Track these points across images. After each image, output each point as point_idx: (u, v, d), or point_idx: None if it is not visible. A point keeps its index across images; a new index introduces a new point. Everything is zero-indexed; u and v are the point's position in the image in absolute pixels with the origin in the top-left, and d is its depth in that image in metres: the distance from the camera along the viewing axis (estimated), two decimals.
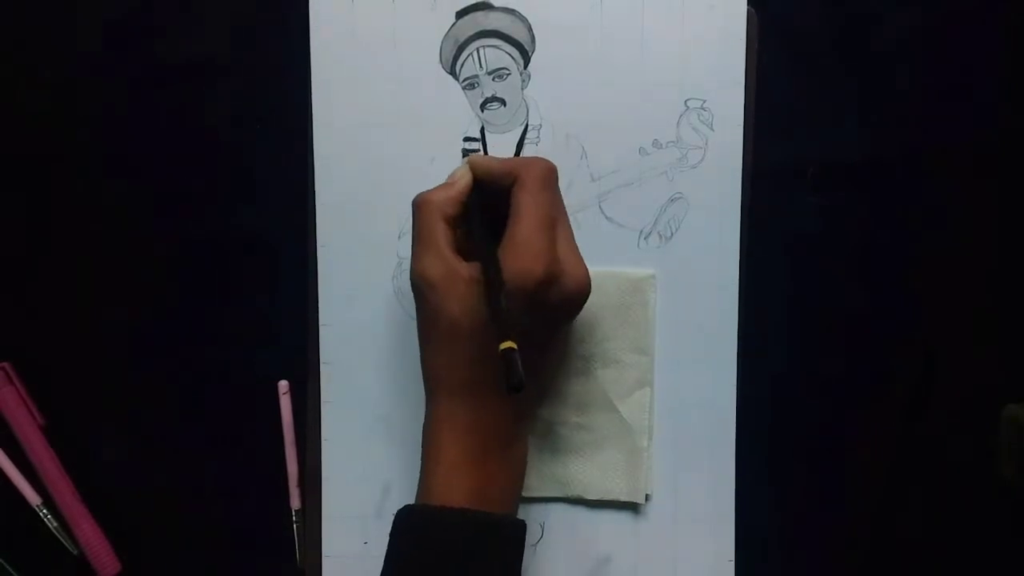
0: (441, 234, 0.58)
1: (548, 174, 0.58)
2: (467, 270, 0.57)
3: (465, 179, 0.60)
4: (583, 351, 0.66)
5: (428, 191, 0.59)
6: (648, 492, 0.67)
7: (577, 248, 0.59)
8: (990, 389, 0.68)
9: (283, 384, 0.67)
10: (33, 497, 0.67)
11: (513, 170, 0.58)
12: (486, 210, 0.59)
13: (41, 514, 0.67)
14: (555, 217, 0.58)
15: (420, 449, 0.66)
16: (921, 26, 0.66)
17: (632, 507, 0.67)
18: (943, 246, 0.67)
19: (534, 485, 0.67)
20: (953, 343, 0.68)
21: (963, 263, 0.67)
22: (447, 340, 0.57)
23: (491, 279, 0.55)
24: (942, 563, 0.68)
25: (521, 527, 0.59)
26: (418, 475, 0.66)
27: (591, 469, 0.67)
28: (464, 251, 0.58)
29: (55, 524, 0.67)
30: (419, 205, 0.59)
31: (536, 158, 0.59)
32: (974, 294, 0.68)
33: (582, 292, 0.58)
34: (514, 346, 0.52)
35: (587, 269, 0.59)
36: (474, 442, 0.58)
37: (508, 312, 0.54)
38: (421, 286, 0.57)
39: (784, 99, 0.66)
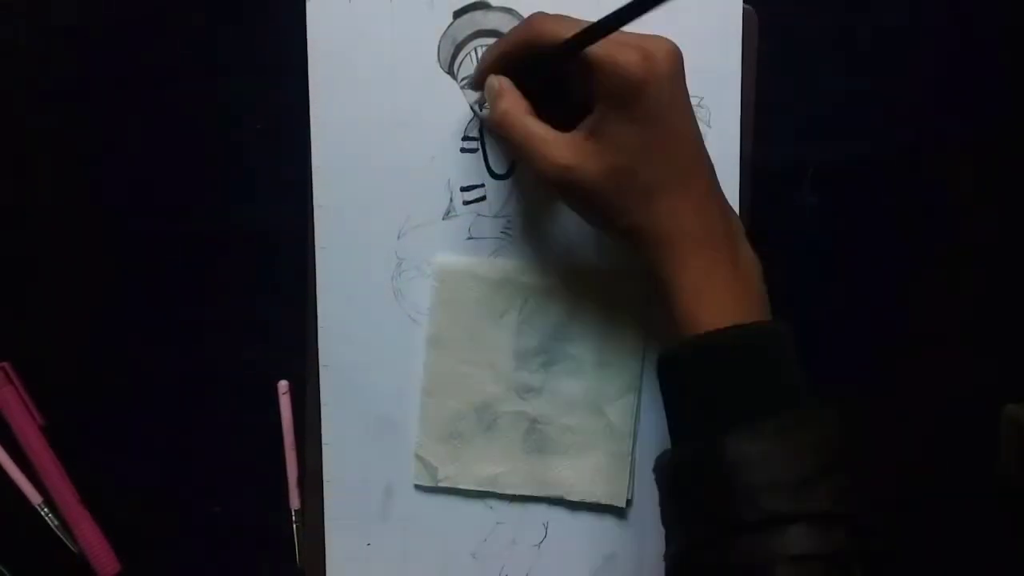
0: (541, 127, 0.57)
1: None
2: (580, 136, 0.56)
3: (504, 83, 0.59)
4: (575, 351, 0.66)
5: (495, 108, 0.59)
6: (629, 496, 0.67)
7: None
8: (990, 389, 0.68)
9: (283, 384, 0.67)
10: (34, 496, 0.68)
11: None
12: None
13: (43, 513, 0.68)
14: None
15: (441, 403, 0.67)
16: (921, 25, 0.66)
17: (635, 507, 0.67)
18: (943, 246, 0.67)
19: (514, 483, 0.67)
20: (953, 343, 0.68)
21: (963, 263, 0.67)
22: (619, 195, 0.56)
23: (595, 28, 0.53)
24: (942, 563, 0.68)
25: (790, 326, 0.56)
26: (437, 431, 0.66)
27: (574, 471, 0.67)
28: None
29: (56, 523, 0.68)
30: (503, 121, 0.58)
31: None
32: (974, 294, 0.68)
33: (674, 50, 0.56)
34: None
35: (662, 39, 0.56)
36: (701, 259, 0.56)
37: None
38: (567, 177, 0.56)
39: (783, 98, 0.66)
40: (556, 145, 0.57)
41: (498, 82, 0.60)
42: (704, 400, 0.55)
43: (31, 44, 0.67)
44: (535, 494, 0.67)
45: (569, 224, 0.65)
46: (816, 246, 0.67)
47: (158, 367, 0.68)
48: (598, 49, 0.54)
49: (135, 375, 0.68)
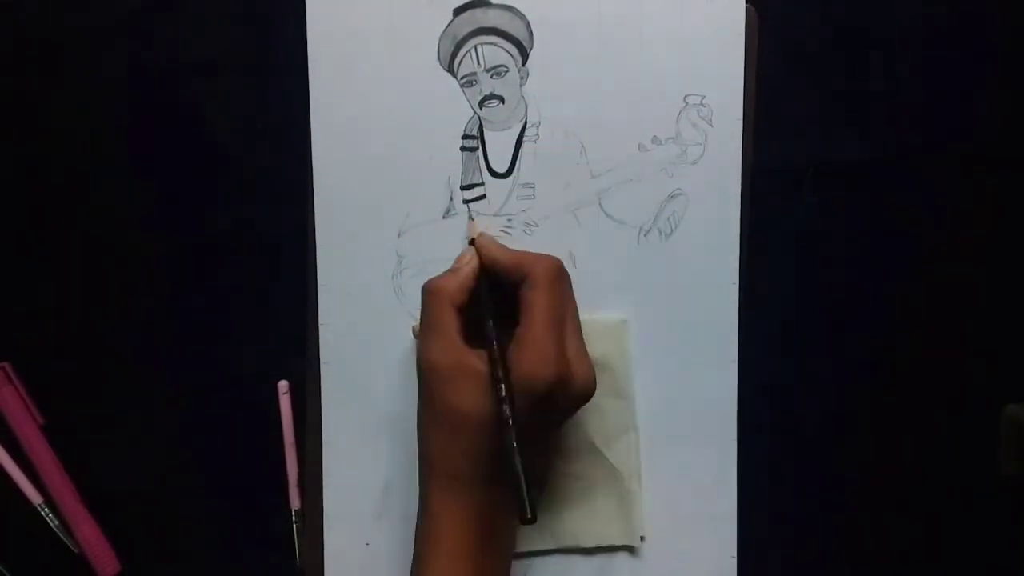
0: (451, 322, 0.58)
1: (557, 272, 0.59)
2: (476, 360, 0.57)
3: (471, 264, 0.60)
4: None
5: (438, 278, 0.60)
6: (643, 534, 0.67)
7: (584, 347, 0.59)
8: (990, 389, 0.68)
9: (283, 384, 0.67)
10: (34, 496, 0.67)
11: (521, 266, 0.59)
12: (493, 292, 0.60)
13: (43, 512, 0.67)
14: (564, 316, 0.58)
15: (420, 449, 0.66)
16: (921, 25, 0.66)
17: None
18: (942, 246, 0.67)
19: (529, 541, 0.67)
20: (953, 343, 0.68)
21: (962, 263, 0.67)
22: (450, 430, 0.57)
23: (499, 381, 0.54)
24: (942, 562, 0.68)
25: None
26: (417, 480, 0.66)
27: (584, 517, 0.67)
28: (472, 336, 0.58)
29: (56, 523, 0.67)
30: (429, 293, 0.59)
31: (544, 255, 0.60)
32: (973, 294, 0.67)
33: (588, 393, 0.58)
34: (521, 475, 0.51)
35: (592, 369, 0.58)
36: (471, 534, 0.58)
37: (514, 418, 0.53)
38: (429, 374, 0.57)
39: (784, 98, 0.66)
40: (446, 345, 0.57)
41: (466, 262, 0.61)
42: None
43: (34, 45, 0.67)
44: (547, 547, 0.67)
45: (572, 221, 0.66)
46: (816, 246, 0.67)
47: (158, 367, 0.68)
48: (528, 337, 0.56)
49: (135, 375, 0.68)
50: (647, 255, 0.66)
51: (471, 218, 0.66)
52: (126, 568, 0.68)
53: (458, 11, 0.65)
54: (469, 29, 0.65)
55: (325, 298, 0.66)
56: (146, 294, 0.68)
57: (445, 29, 0.65)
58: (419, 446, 0.60)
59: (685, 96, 0.65)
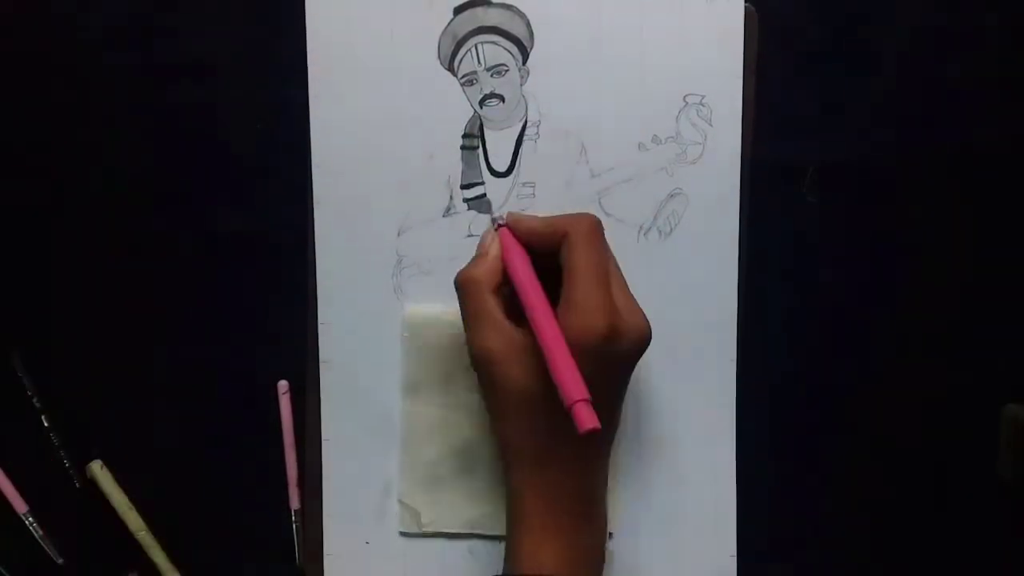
0: (492, 307, 0.58)
1: (596, 228, 0.58)
2: (524, 337, 0.57)
3: (496, 245, 0.60)
4: None
5: (467, 268, 0.59)
6: (611, 530, 0.66)
7: (633, 297, 0.59)
8: (990, 389, 0.68)
9: (283, 384, 0.67)
10: (19, 505, 0.67)
11: (557, 230, 0.58)
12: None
13: (27, 523, 0.67)
14: (608, 270, 0.58)
15: (420, 449, 0.66)
16: (920, 25, 0.67)
17: (635, 506, 0.67)
18: (942, 246, 0.67)
19: (498, 523, 0.65)
20: (953, 343, 0.68)
21: (962, 263, 0.67)
22: (517, 410, 0.58)
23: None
24: (942, 563, 0.68)
25: None
26: (418, 477, 0.66)
27: None
28: (512, 316, 0.58)
29: (40, 532, 0.67)
30: (464, 284, 0.58)
31: (581, 214, 0.59)
32: (973, 293, 0.68)
33: (643, 341, 0.58)
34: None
35: (645, 317, 0.58)
36: (557, 508, 0.58)
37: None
38: (484, 363, 0.57)
39: (784, 98, 0.66)
40: (495, 330, 0.57)
41: (489, 243, 0.60)
42: None
43: (31, 44, 0.67)
44: None
45: None
46: (816, 246, 0.67)
47: (158, 367, 0.68)
48: (575, 295, 0.56)
49: (135, 375, 0.68)
50: (646, 254, 0.66)
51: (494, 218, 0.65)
52: (125, 568, 0.68)
53: (458, 10, 0.65)
54: (469, 28, 0.65)
55: (325, 297, 0.66)
56: (146, 294, 0.67)
57: (445, 28, 0.65)
58: (494, 434, 0.61)
59: (685, 96, 0.65)
